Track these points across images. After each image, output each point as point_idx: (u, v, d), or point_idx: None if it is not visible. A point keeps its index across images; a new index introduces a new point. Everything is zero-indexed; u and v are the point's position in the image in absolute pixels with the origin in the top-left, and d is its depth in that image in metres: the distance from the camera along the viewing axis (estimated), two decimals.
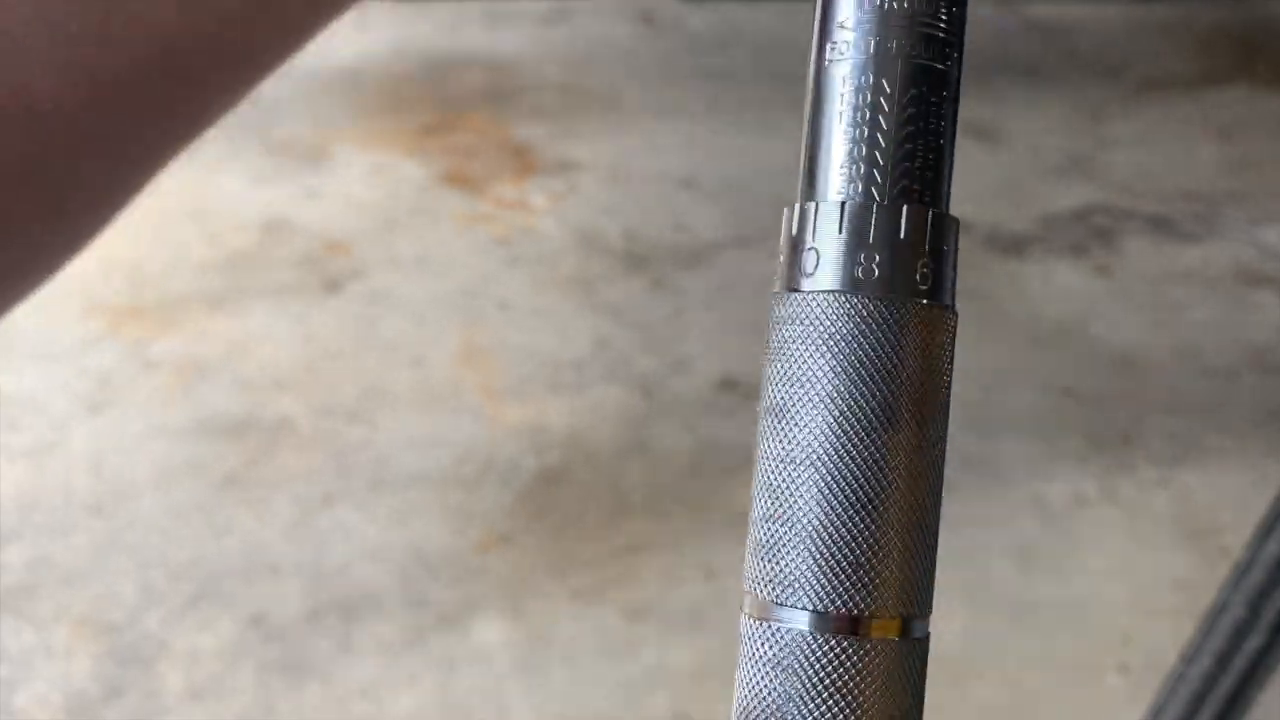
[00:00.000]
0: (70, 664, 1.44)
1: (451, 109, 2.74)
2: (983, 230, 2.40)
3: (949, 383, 0.24)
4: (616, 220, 2.39)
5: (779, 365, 0.24)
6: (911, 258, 0.23)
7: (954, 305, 0.24)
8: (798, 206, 0.24)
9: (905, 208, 0.23)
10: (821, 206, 0.24)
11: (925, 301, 0.23)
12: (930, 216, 0.23)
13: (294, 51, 0.33)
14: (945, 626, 1.59)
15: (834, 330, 0.23)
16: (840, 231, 0.23)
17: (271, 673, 1.44)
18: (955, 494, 1.75)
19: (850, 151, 0.24)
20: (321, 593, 1.54)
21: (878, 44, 0.24)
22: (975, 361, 2.04)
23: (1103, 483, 1.77)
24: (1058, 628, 1.51)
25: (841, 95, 0.25)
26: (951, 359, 0.24)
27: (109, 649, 1.46)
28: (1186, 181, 2.57)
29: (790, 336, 0.23)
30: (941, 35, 0.24)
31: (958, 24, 0.24)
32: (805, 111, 0.26)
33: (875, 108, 0.24)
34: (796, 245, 0.24)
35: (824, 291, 0.23)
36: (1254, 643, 0.87)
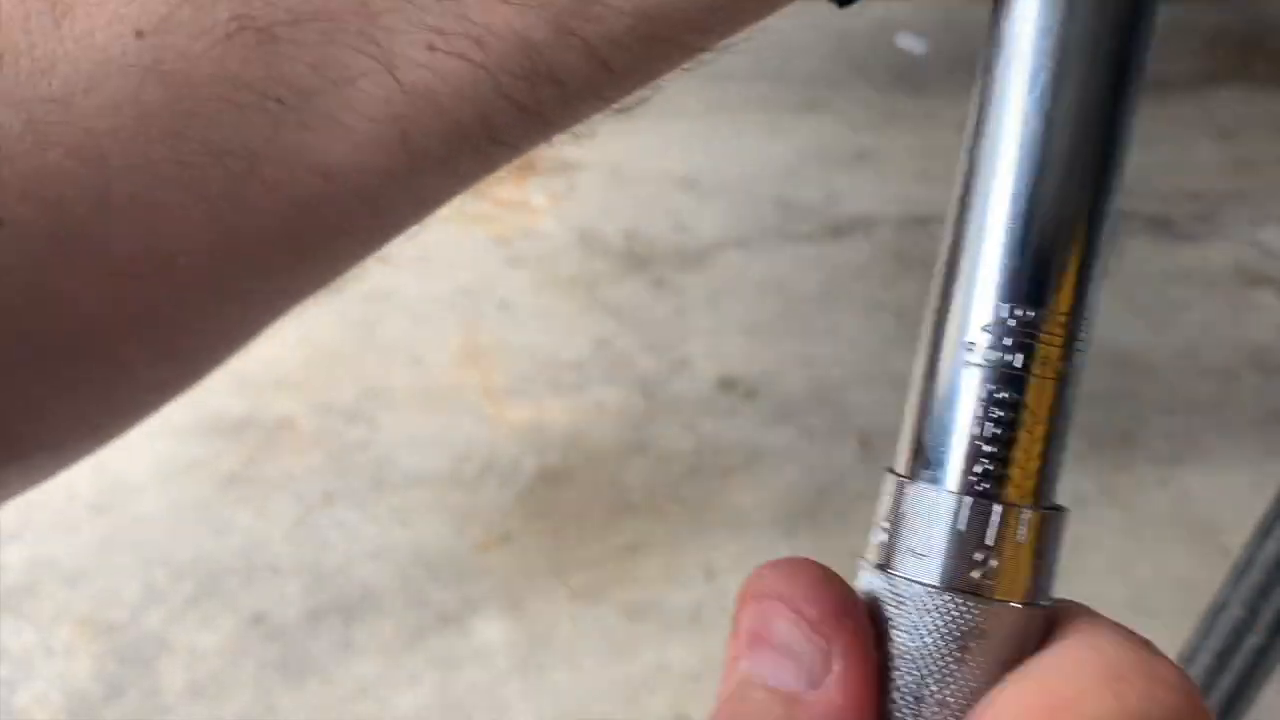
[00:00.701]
0: (71, 663, 1.44)
1: None
2: None
3: None
4: (617, 220, 2.39)
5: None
6: (1021, 562, 0.22)
7: (1052, 603, 0.24)
8: (906, 485, 0.24)
9: (1024, 511, 0.22)
10: (938, 496, 0.23)
11: (1026, 607, 0.23)
12: (1043, 519, 0.23)
13: (418, 220, 0.34)
14: None
15: (930, 623, 0.22)
16: (956, 526, 0.23)
17: (272, 671, 1.44)
18: None
19: (972, 449, 0.22)
20: (322, 592, 1.54)
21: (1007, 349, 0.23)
22: None
23: (1102, 482, 1.77)
24: None
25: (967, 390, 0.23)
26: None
27: (110, 648, 1.46)
28: (1186, 181, 2.57)
29: (886, 611, 0.23)
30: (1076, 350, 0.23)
31: (1086, 340, 0.23)
32: (917, 380, 0.24)
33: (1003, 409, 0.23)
34: (901, 526, 0.24)
35: (926, 586, 0.23)
36: (1253, 642, 0.87)
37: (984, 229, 0.23)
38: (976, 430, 0.22)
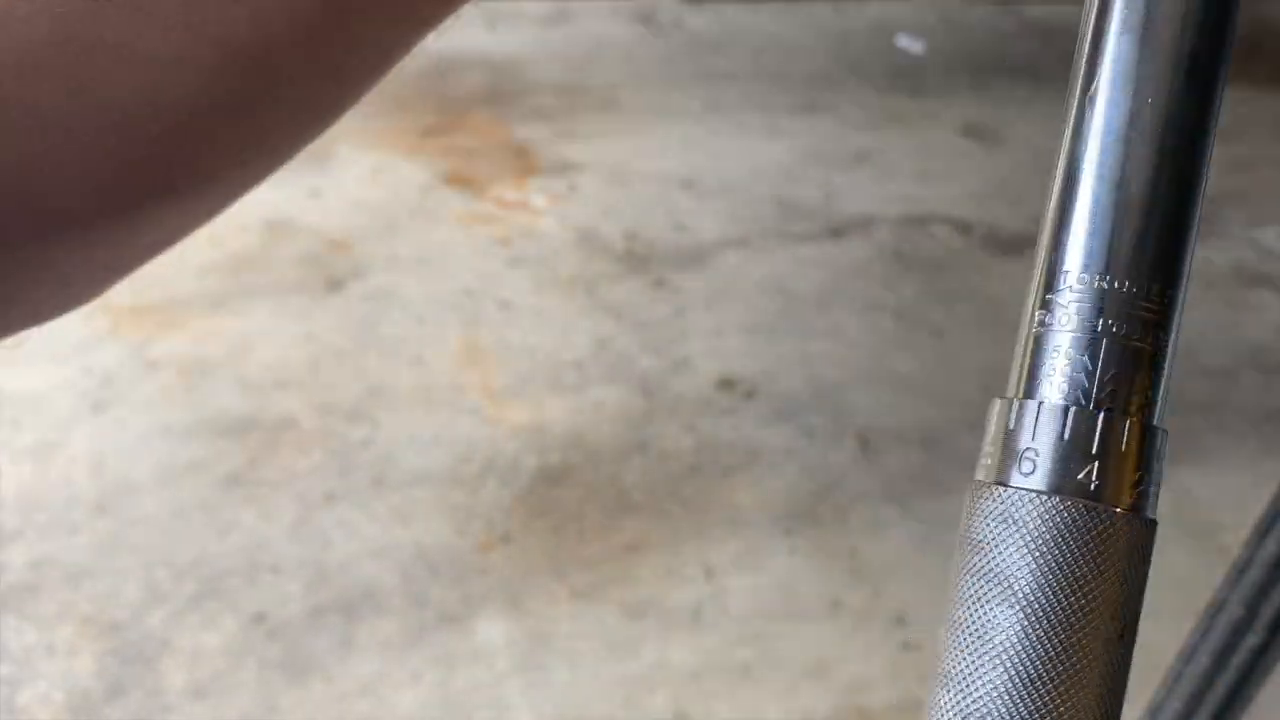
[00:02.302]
0: (73, 662, 1.44)
1: (453, 110, 2.74)
2: (981, 230, 2.41)
3: (1143, 593, 0.24)
4: (617, 221, 2.39)
5: (978, 559, 0.24)
6: (1127, 470, 0.23)
7: (1156, 519, 0.24)
8: (1015, 402, 0.24)
9: (1127, 421, 0.24)
10: (1044, 408, 0.24)
11: (1133, 514, 0.23)
12: (1147, 431, 0.24)
13: (414, 43, 0.32)
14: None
15: (1042, 532, 0.23)
16: (1062, 437, 0.24)
17: (274, 670, 1.45)
18: (953, 493, 1.75)
19: (1073, 359, 0.24)
20: (323, 591, 1.55)
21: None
22: (973, 361, 2.04)
23: None
24: None
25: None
26: (1147, 571, 0.24)
27: (112, 647, 1.46)
28: None
29: (994, 533, 0.24)
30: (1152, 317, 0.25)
31: (1171, 307, 0.25)
32: (1029, 304, 0.25)
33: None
34: (1011, 441, 0.24)
35: (1036, 492, 0.23)
36: (1251, 641, 0.88)
37: (1083, 199, 0.25)
38: (1081, 355, 0.24)
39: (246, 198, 0.36)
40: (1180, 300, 0.25)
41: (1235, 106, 3.01)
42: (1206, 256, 2.36)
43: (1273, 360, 2.08)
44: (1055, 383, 0.24)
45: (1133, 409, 0.24)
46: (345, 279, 2.15)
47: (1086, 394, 0.24)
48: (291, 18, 0.28)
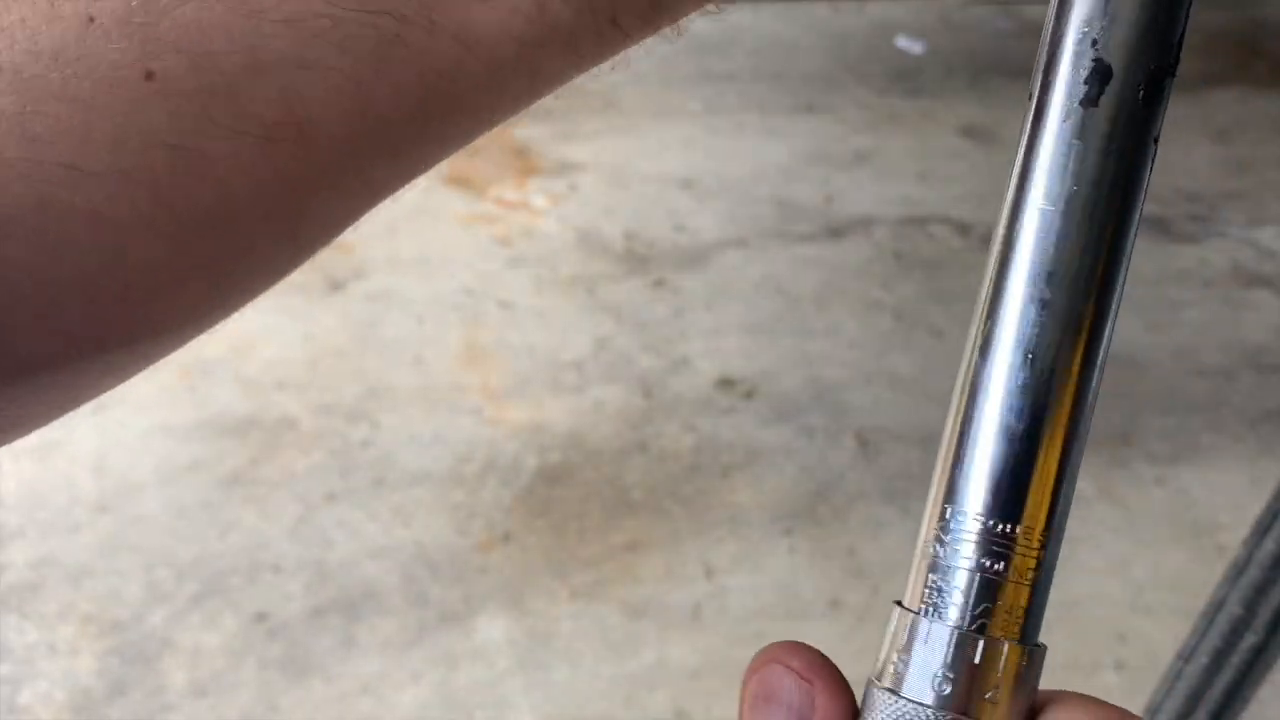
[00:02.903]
0: (74, 661, 1.44)
1: None
2: (980, 230, 2.41)
3: None
4: (617, 221, 2.39)
5: None
6: (1005, 690, 0.27)
7: None
8: (910, 617, 0.28)
9: (1005, 644, 0.27)
10: (935, 628, 0.27)
11: None
12: (1023, 654, 0.27)
13: (365, 212, 0.34)
14: None
15: None
16: (949, 655, 0.27)
17: (274, 669, 1.45)
18: None
19: (962, 589, 0.27)
20: (324, 590, 1.55)
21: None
22: None
23: (1100, 481, 1.78)
24: (1054, 624, 1.51)
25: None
26: None
27: (113, 646, 1.46)
28: (1184, 182, 2.58)
29: None
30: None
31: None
32: (927, 521, 0.28)
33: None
34: (907, 653, 0.28)
35: (926, 705, 0.27)
36: (1250, 640, 0.88)
37: (975, 446, 0.28)
38: (970, 582, 0.27)
39: None
40: (1060, 534, 0.28)
41: (1234, 106, 3.02)
42: (1205, 256, 2.37)
43: (1271, 360, 2.09)
44: (948, 608, 0.27)
45: (1013, 634, 0.27)
46: (346, 279, 2.16)
47: (974, 620, 0.27)
48: (253, 190, 0.30)
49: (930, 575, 0.27)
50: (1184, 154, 2.68)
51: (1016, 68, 3.20)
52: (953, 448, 0.28)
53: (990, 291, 0.28)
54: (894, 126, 2.86)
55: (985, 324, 0.27)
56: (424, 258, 2.24)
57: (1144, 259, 2.35)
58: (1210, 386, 2.02)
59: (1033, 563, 0.27)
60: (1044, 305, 0.27)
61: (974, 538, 0.27)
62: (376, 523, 1.65)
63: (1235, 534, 1.00)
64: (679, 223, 2.40)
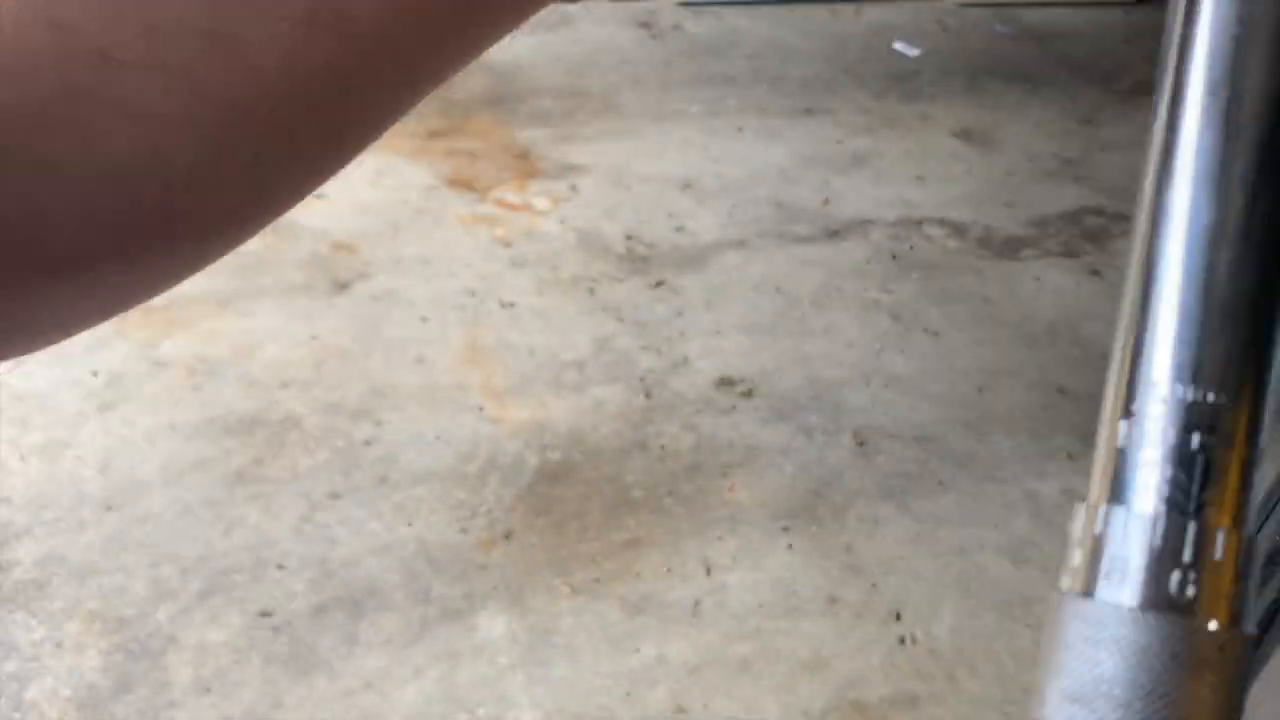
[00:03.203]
0: (80, 658, 1.45)
1: (455, 113, 2.76)
2: (976, 232, 2.43)
3: (1241, 709, 0.24)
4: (617, 222, 2.41)
5: (1066, 678, 0.23)
6: (1223, 584, 0.23)
7: (1255, 633, 0.24)
8: (1103, 509, 0.24)
9: (1220, 532, 0.23)
10: (1133, 516, 0.23)
11: (1229, 629, 0.23)
12: (1242, 542, 0.23)
13: (412, 105, 0.33)
14: (939, 621, 1.61)
15: (1134, 649, 0.23)
16: (1153, 547, 0.23)
17: (278, 666, 1.46)
18: (949, 491, 1.77)
19: (1161, 470, 0.23)
20: (328, 588, 1.56)
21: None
22: (969, 361, 2.06)
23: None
24: None
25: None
26: (1246, 687, 0.24)
27: (119, 643, 1.47)
28: None
29: (1083, 648, 0.23)
30: None
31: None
32: (1109, 409, 0.25)
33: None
34: (1099, 550, 0.23)
35: (1127, 606, 0.23)
36: None
37: (1165, 305, 0.24)
38: (1171, 457, 0.23)
39: None
40: (1266, 407, 0.24)
41: None
42: None
43: None
44: (1144, 492, 0.23)
45: (1225, 520, 0.23)
46: (350, 280, 2.17)
47: (1178, 504, 0.23)
48: (293, 80, 0.29)
49: (1122, 462, 0.23)
50: None
51: (1013, 71, 3.21)
52: (1136, 308, 0.24)
53: (1165, 118, 0.24)
54: (892, 129, 2.88)
55: (1163, 159, 0.24)
56: (427, 259, 2.25)
57: None
58: None
59: (1246, 436, 0.23)
60: (1230, 134, 0.23)
61: (1176, 409, 0.23)
62: (379, 521, 1.66)
63: None
64: (679, 224, 2.42)
